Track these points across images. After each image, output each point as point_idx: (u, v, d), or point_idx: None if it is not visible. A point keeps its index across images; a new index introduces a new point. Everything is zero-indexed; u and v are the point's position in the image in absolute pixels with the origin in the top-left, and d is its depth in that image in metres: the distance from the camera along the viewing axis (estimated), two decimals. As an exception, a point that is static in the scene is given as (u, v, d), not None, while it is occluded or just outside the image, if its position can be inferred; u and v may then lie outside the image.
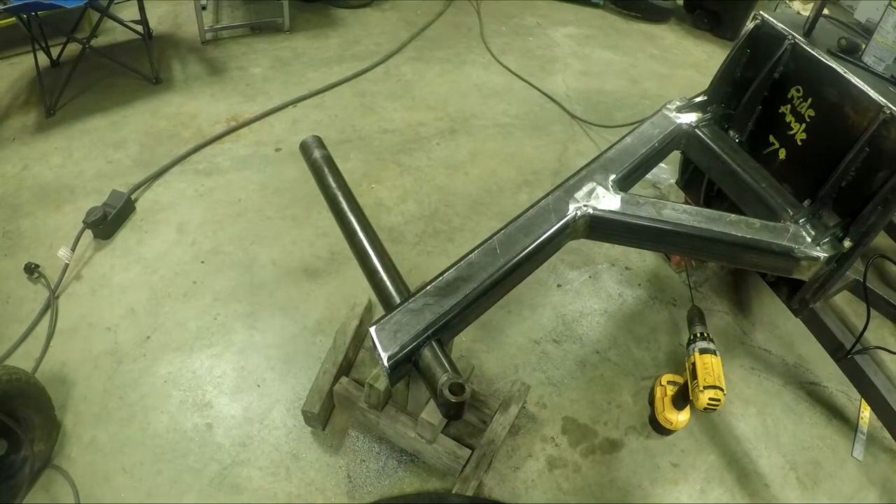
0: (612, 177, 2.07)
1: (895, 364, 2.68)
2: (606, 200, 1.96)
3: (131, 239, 2.97)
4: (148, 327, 2.64)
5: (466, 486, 2.17)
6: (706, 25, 5.74)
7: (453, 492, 2.17)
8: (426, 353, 1.58)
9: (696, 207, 1.99)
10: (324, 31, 4.40)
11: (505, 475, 2.37)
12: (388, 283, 1.77)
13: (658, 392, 2.60)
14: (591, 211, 1.93)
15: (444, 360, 1.57)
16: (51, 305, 2.63)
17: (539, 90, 4.37)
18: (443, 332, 1.64)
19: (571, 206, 1.94)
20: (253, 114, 3.69)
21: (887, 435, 2.47)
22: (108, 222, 2.87)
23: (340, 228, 1.98)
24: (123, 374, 2.49)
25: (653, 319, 3.00)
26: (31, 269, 2.74)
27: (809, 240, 1.94)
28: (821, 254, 1.92)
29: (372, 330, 1.59)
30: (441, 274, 1.74)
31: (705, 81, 2.60)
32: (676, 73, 5.02)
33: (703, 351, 2.38)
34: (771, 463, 2.54)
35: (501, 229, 1.88)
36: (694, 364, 2.36)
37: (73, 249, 2.79)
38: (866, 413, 2.70)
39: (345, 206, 1.98)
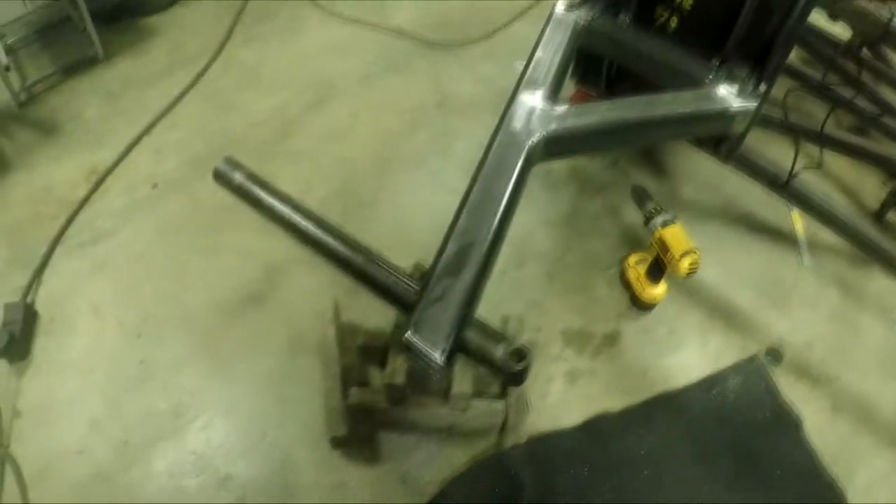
0: (541, 93, 2.04)
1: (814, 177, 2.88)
2: (551, 118, 1.94)
3: (50, 346, 2.57)
4: (120, 430, 2.36)
5: (518, 433, 2.20)
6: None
7: (510, 445, 2.19)
8: (470, 334, 1.54)
9: (630, 99, 2.02)
10: (142, 46, 3.92)
11: (538, 407, 2.42)
12: (393, 283, 1.69)
13: (631, 274, 2.73)
14: (544, 133, 1.90)
15: (490, 333, 1.54)
16: (4, 460, 2.28)
17: (386, 29, 4.19)
18: (472, 305, 1.60)
19: (524, 136, 1.90)
20: (110, 159, 3.30)
21: (824, 237, 2.78)
22: (18, 341, 2.49)
23: (311, 249, 1.83)
24: (121, 488, 2.24)
25: (590, 210, 3.09)
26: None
27: (736, 95, 2.03)
28: (750, 104, 2.02)
29: (409, 336, 1.52)
30: (440, 252, 1.68)
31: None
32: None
33: (664, 223, 2.50)
34: (744, 297, 2.77)
35: (471, 185, 1.83)
36: (661, 238, 2.48)
37: (-9, 389, 2.42)
38: (798, 224, 2.98)
39: (303, 223, 1.83)
